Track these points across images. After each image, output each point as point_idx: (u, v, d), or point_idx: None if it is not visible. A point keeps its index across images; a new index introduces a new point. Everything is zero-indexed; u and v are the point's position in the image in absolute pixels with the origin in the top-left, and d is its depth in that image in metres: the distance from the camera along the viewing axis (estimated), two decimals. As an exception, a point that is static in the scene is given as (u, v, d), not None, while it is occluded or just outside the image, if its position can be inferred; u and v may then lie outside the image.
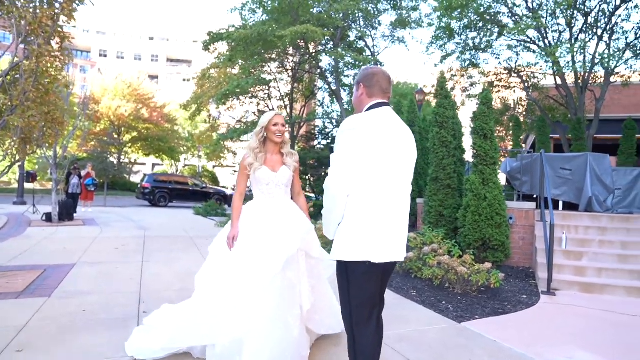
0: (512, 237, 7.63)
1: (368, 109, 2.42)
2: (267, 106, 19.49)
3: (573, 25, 14.70)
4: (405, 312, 4.83)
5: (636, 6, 14.25)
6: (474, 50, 17.15)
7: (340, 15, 13.85)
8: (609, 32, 14.23)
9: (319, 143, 19.33)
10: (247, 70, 16.20)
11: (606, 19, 14.38)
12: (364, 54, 16.06)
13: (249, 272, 3.05)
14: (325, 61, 16.71)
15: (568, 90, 14.98)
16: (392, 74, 2.68)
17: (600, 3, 14.21)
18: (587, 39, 14.33)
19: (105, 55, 63.97)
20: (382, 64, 16.52)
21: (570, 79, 15.35)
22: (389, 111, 2.42)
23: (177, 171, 41.28)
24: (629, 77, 15.53)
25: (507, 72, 17.83)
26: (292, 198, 3.54)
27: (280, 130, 3.42)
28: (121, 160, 36.64)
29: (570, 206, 8.67)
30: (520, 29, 12.94)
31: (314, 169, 17.46)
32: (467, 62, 17.65)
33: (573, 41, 14.27)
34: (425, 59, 59.46)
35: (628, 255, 6.56)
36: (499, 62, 18.07)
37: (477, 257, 7.08)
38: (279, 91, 19.01)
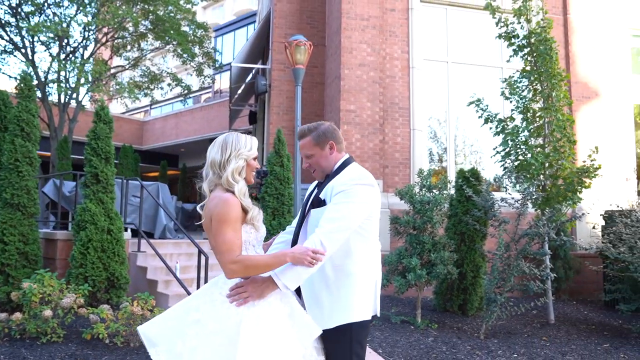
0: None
1: (344, 163, 2.42)
2: None
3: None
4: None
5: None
6: None
7: None
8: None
9: None
10: None
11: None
12: None
13: None
14: None
15: (49, 107, 14.16)
16: None
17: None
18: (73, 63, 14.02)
19: None
20: None
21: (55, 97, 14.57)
22: None
23: None
24: (83, 105, 16.23)
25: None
26: None
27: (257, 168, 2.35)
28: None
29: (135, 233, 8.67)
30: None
31: None
32: None
33: (62, 60, 13.70)
34: None
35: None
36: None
37: (97, 298, 6.10)
38: None
